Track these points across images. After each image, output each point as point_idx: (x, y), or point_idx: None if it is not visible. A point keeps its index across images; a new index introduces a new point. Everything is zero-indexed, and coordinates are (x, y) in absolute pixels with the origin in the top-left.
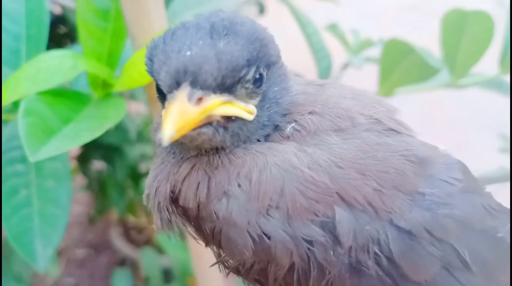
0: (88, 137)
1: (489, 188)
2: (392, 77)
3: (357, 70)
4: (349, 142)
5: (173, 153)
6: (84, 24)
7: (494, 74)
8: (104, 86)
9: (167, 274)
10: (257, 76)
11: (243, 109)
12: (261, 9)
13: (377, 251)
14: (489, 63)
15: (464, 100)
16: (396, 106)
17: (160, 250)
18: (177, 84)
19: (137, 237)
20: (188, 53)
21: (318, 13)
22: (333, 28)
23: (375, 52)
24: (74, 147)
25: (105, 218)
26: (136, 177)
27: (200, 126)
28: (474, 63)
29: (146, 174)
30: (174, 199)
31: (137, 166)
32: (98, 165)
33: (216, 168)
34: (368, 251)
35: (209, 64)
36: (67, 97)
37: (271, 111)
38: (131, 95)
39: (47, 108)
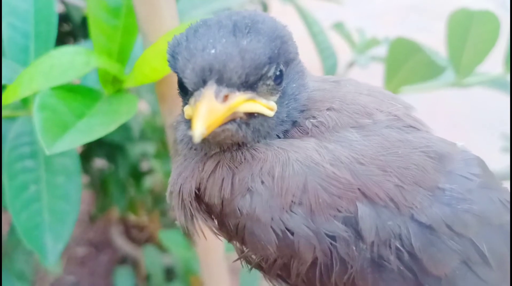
0: (102, 132)
1: None
2: (398, 76)
3: (363, 69)
4: (370, 139)
5: (195, 149)
6: (95, 21)
7: (499, 74)
8: (115, 83)
9: (169, 273)
10: (278, 73)
11: (265, 105)
12: (264, 8)
13: (398, 246)
14: (494, 62)
15: (468, 99)
16: (410, 103)
17: (162, 248)
18: (203, 82)
19: (138, 235)
20: (213, 51)
21: (321, 14)
22: (339, 27)
23: (381, 51)
24: (88, 142)
25: (106, 216)
26: (138, 175)
27: (225, 123)
28: (479, 63)
29: (148, 172)
30: (198, 196)
31: (139, 164)
32: (99, 163)
33: (240, 163)
34: (389, 246)
35: (233, 62)
36: (79, 92)
37: (290, 107)
38: (138, 93)
39: (60, 103)
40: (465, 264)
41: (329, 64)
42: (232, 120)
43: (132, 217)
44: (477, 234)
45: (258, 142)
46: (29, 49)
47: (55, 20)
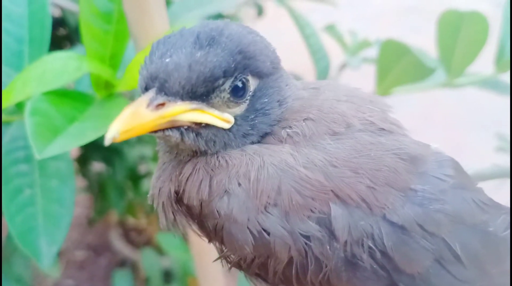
0: (93, 136)
1: (487, 186)
2: (389, 77)
3: (355, 70)
4: (343, 142)
5: (171, 154)
6: (87, 26)
7: (490, 74)
8: (107, 87)
9: (167, 275)
10: (239, 85)
11: (217, 117)
12: (260, 11)
13: (371, 245)
14: (485, 62)
15: (461, 100)
16: (389, 103)
17: (160, 251)
18: (146, 89)
19: (137, 238)
20: (168, 60)
21: (316, 16)
22: (330, 29)
23: (373, 52)
24: (79, 145)
25: (105, 219)
26: (136, 178)
27: (166, 129)
28: (469, 63)
29: (146, 175)
30: (178, 199)
31: (136, 167)
32: (97, 166)
33: (216, 167)
34: (362, 245)
35: (179, 73)
36: (71, 97)
37: (256, 121)
38: (130, 97)
39: (52, 108)
40: (438, 263)
41: (322, 66)
42: (175, 127)
43: (130, 220)
44: (449, 233)
45: (217, 151)
46: (23, 54)
47: (49, 25)
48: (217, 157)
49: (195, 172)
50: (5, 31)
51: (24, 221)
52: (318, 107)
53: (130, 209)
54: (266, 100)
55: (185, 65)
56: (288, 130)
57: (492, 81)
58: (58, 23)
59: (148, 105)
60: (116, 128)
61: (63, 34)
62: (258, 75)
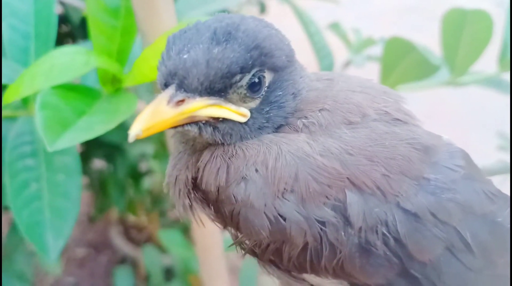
0: (102, 130)
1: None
2: (393, 75)
3: (359, 68)
4: (358, 131)
5: (187, 144)
6: (94, 22)
7: (494, 72)
8: (114, 82)
9: (168, 272)
10: (256, 80)
11: (234, 111)
12: (262, 9)
13: (385, 232)
14: (489, 61)
15: (464, 99)
16: (402, 95)
17: (161, 248)
18: (165, 85)
19: (137, 236)
20: (185, 56)
21: (318, 14)
22: (335, 26)
23: (376, 50)
24: (88, 139)
25: (105, 217)
26: (137, 176)
27: (185, 124)
28: (473, 61)
29: (147, 173)
30: (195, 185)
31: (137, 165)
32: (98, 164)
33: (233, 156)
34: (376, 232)
35: (197, 69)
36: (79, 92)
37: (271, 114)
38: (137, 92)
39: (61, 101)
40: (449, 251)
41: (326, 63)
42: (193, 122)
43: (131, 218)
44: (460, 222)
45: (234, 142)
46: (29, 50)
47: (54, 21)
48: (234, 147)
49: (213, 159)
50: (11, 27)
51: (30, 215)
52: (333, 97)
53: (130, 206)
54: (280, 93)
55: (203, 62)
56: (304, 120)
57: (495, 80)
58: (61, 19)
59: (169, 102)
60: (139, 125)
61: (66, 31)
62: (274, 69)
